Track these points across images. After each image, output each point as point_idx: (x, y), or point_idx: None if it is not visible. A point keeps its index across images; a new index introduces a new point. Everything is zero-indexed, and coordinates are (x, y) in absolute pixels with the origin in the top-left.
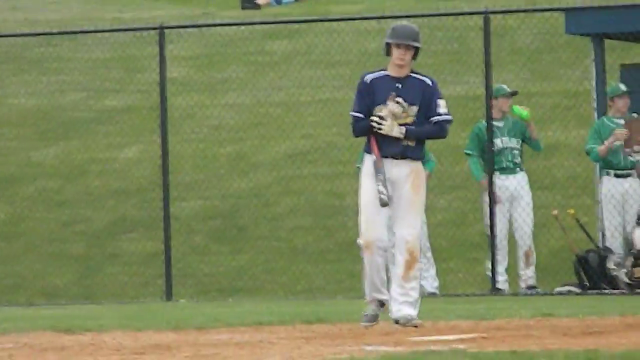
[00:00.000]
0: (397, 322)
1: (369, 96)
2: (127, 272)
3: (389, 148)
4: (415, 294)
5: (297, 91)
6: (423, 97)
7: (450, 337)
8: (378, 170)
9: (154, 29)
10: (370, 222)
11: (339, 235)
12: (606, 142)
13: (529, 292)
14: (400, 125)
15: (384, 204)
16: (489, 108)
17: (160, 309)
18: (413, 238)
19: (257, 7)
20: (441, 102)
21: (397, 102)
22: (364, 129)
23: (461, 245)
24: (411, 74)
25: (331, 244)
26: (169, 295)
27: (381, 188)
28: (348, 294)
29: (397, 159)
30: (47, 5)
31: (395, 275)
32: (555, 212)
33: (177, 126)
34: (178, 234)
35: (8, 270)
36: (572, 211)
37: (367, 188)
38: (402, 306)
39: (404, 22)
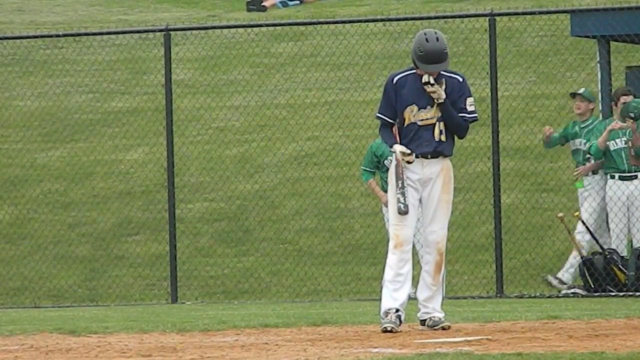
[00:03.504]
0: (423, 323)
1: (395, 96)
2: (133, 274)
3: (421, 148)
4: (441, 296)
5: (302, 93)
6: (452, 93)
7: (456, 339)
8: (398, 177)
9: (160, 31)
10: (402, 222)
11: (344, 238)
12: (603, 134)
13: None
14: (434, 123)
15: (401, 213)
16: (494, 111)
17: (165, 311)
18: (443, 238)
19: (263, 9)
20: (469, 100)
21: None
22: (388, 138)
23: (467, 247)
24: (440, 72)
25: (337, 246)
26: (174, 297)
27: (400, 197)
28: (354, 296)
29: (427, 158)
30: (53, 8)
31: (425, 274)
32: (560, 214)
33: (183, 128)
34: (183, 236)
35: (13, 272)
36: (577, 213)
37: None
38: (430, 308)
39: (430, 34)
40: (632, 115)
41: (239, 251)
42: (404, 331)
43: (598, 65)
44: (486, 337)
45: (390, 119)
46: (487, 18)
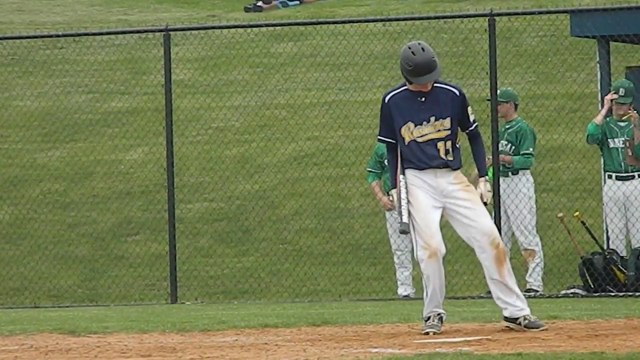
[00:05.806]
0: (507, 320)
1: (391, 116)
2: (132, 274)
3: (430, 161)
4: (516, 289)
5: (302, 93)
6: (453, 109)
7: (456, 340)
8: (400, 196)
9: (160, 31)
10: (429, 231)
11: (344, 238)
12: (601, 111)
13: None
14: (435, 139)
15: (402, 232)
16: (494, 110)
17: (165, 311)
18: (493, 230)
19: (259, 9)
20: (469, 110)
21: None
22: (390, 174)
23: (467, 247)
24: (435, 85)
25: (336, 246)
26: (174, 297)
27: (402, 216)
28: (354, 296)
29: (440, 168)
30: (53, 8)
31: (492, 277)
32: (560, 214)
33: (183, 128)
34: (183, 236)
35: (13, 272)
36: (577, 213)
37: (419, 198)
38: (516, 305)
39: (414, 46)
40: (621, 93)
41: (239, 251)
42: (403, 331)
43: (598, 65)
44: (486, 337)
45: (391, 140)
46: (487, 18)
